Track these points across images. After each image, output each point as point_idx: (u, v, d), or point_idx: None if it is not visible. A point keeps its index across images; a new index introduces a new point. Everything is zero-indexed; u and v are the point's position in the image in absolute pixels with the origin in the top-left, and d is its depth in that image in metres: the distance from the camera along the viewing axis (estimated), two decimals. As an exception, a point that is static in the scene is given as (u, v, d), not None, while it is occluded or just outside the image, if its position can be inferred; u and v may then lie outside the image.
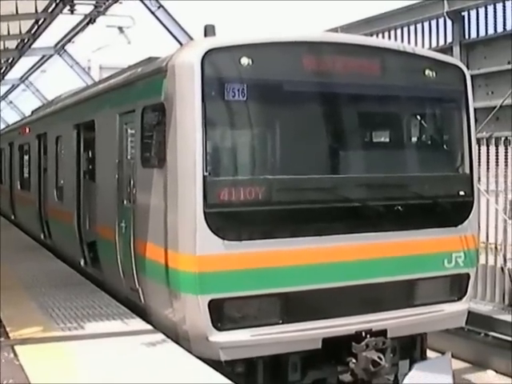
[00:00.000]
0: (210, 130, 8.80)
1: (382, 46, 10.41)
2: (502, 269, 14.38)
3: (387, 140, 11.11)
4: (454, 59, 10.79)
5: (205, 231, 8.67)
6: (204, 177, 8.67)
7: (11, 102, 41.05)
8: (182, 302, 8.97)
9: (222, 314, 8.83)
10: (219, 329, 8.81)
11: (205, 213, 8.67)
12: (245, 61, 8.90)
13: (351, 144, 10.02)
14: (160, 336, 9.22)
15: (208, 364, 8.27)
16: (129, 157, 10.84)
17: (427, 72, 10.14)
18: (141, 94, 10.40)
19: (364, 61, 9.82)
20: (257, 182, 8.97)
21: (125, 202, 10.87)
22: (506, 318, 13.88)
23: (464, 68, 10.70)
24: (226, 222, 8.90)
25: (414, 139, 11.00)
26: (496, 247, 14.58)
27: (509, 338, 13.46)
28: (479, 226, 14.16)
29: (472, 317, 13.44)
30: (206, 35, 9.80)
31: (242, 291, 8.84)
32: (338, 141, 9.90)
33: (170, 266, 9.11)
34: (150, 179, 9.83)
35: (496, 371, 13.68)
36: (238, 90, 8.87)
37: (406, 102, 10.56)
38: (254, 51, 9.02)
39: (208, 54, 8.79)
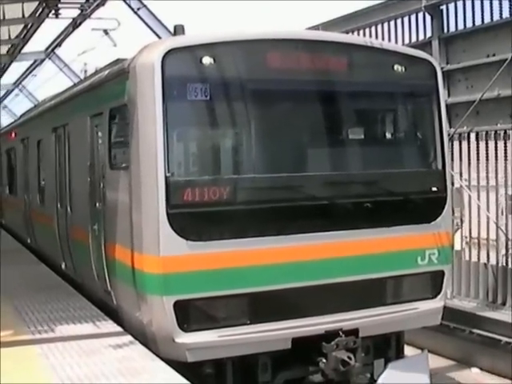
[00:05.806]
0: (171, 130, 8.72)
1: (348, 42, 10.31)
2: (486, 265, 14.26)
3: (357, 137, 10.91)
4: (425, 54, 10.63)
5: (168, 232, 8.60)
6: (166, 177, 8.61)
7: (6, 107, 40.97)
8: (149, 304, 8.92)
9: (187, 315, 8.75)
10: (185, 330, 8.73)
11: (168, 214, 8.60)
12: (206, 60, 8.83)
13: (319, 141, 9.89)
14: (128, 338, 9.19)
15: (177, 365, 8.20)
16: (99, 159, 10.81)
17: (396, 67, 10.02)
18: (107, 96, 10.37)
19: (330, 57, 9.71)
20: (220, 181, 8.90)
21: (97, 204, 10.84)
22: (491, 315, 13.75)
23: (435, 62, 10.56)
24: (190, 222, 8.82)
25: (385, 135, 10.88)
26: (479, 243, 14.47)
27: (493, 336, 13.36)
28: (462, 222, 14.13)
29: (456, 314, 13.35)
30: (175, 35, 9.75)
31: (208, 292, 8.75)
32: (306, 139, 9.83)
33: (136, 268, 9.06)
34: (118, 181, 9.79)
35: (481, 369, 13.56)
36: (201, 90, 8.80)
37: (375, 98, 10.42)
38: (215, 50, 8.95)
39: (169, 54, 8.71)
